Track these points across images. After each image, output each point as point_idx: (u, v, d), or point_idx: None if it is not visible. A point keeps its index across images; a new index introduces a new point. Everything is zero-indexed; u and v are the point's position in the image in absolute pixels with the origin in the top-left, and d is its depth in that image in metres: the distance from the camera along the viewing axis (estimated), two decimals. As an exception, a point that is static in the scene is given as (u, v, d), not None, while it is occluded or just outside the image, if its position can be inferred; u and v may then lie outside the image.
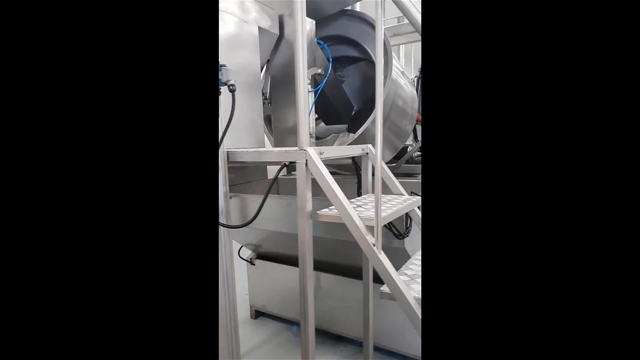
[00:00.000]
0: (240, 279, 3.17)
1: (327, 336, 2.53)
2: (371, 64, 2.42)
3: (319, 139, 2.45)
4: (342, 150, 1.48)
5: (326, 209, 1.35)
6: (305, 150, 1.25)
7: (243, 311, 2.91)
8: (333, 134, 2.35)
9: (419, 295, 1.15)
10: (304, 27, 1.21)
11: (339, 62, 2.48)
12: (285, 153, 1.31)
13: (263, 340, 2.60)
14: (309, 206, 1.28)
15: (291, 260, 2.60)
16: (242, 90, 1.80)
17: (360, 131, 2.06)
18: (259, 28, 1.88)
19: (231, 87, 1.31)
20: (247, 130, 1.83)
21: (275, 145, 2.22)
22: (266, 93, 2.18)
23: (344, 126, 2.41)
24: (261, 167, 2.62)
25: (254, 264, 2.73)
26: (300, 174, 1.26)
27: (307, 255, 1.29)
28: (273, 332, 2.67)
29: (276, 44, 2.05)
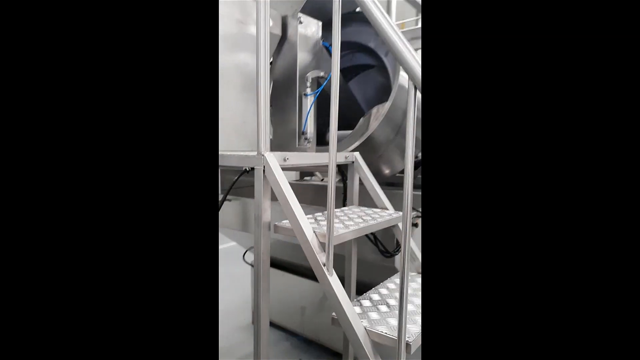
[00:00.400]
0: (244, 283, 3.15)
1: (327, 352, 2.41)
2: (384, 70, 2.29)
3: (326, 144, 2.35)
4: (313, 157, 1.37)
5: (286, 220, 1.25)
6: (263, 155, 1.17)
7: (244, 316, 2.87)
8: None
9: (373, 328, 1.02)
10: (266, 17, 1.13)
11: (352, 71, 2.38)
12: (245, 158, 1.24)
13: (260, 348, 2.53)
14: (266, 216, 1.19)
15: (296, 269, 2.52)
16: (236, 92, 1.76)
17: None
18: (259, 29, 1.84)
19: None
20: (239, 133, 1.79)
21: (274, 149, 2.15)
22: (268, 95, 2.12)
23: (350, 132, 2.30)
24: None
25: (258, 269, 2.68)
26: (257, 181, 1.18)
27: (262, 268, 1.20)
28: (271, 340, 2.60)
29: (278, 45, 1.99)
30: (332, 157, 1.03)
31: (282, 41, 1.98)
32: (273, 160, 1.17)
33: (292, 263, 2.52)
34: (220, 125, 1.61)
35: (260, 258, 1.20)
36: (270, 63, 2.11)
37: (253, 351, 1.34)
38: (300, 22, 1.93)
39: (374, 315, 1.10)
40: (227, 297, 3.06)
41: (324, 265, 1.06)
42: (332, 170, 1.04)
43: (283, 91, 2.06)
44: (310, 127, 1.96)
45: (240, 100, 1.78)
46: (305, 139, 1.95)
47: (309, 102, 1.94)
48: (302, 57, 1.95)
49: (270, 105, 2.20)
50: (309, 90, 1.95)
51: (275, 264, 2.63)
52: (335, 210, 1.49)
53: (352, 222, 1.27)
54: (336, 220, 1.29)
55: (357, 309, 1.13)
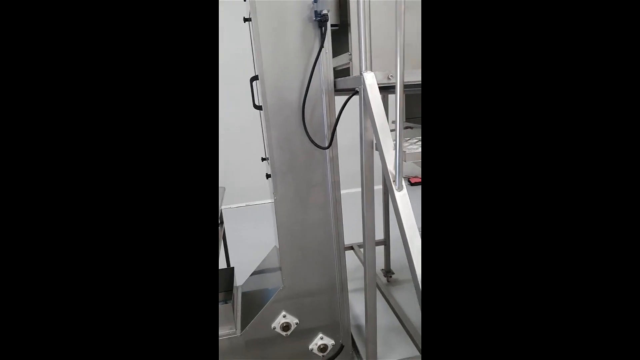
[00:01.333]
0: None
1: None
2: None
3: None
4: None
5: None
6: (361, 75, 1.20)
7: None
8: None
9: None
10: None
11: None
12: (353, 79, 1.30)
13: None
14: (368, 135, 1.25)
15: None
16: (404, 12, 1.75)
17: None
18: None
19: (323, 18, 1.37)
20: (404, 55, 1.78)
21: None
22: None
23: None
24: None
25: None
26: (360, 100, 1.24)
27: (366, 185, 1.29)
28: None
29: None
30: (399, 68, 0.98)
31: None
32: (370, 79, 1.19)
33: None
34: (378, 48, 1.65)
35: (364, 174, 1.29)
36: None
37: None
38: None
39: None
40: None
41: (394, 182, 1.06)
42: (400, 84, 0.98)
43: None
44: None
45: (408, 23, 1.75)
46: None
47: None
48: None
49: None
50: None
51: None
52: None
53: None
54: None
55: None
